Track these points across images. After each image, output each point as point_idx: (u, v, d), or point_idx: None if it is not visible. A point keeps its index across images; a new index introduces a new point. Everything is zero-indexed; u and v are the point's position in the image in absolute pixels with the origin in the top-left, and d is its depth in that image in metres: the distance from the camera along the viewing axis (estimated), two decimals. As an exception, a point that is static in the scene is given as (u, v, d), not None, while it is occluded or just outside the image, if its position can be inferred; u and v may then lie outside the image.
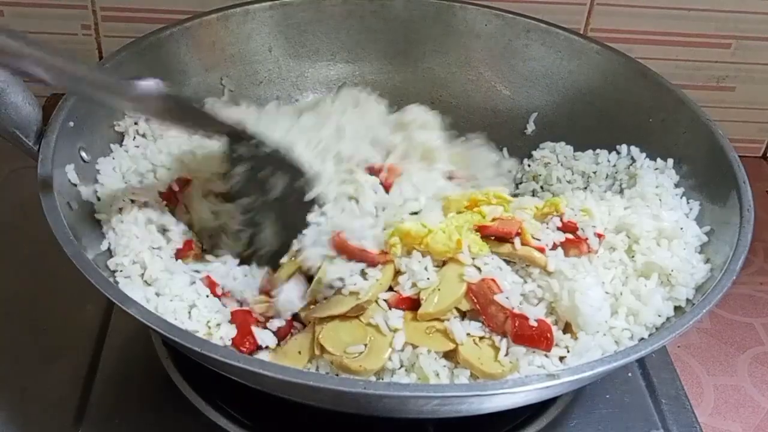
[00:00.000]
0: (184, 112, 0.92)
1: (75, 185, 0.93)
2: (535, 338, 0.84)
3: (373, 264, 0.90)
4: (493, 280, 0.88)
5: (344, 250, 0.90)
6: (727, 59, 1.39)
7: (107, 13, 1.32)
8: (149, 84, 0.85)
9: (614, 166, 1.11)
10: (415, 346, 0.85)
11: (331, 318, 0.88)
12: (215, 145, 0.97)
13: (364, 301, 0.87)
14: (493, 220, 0.93)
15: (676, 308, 0.91)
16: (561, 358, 0.86)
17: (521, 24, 1.20)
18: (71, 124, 0.95)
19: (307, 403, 0.83)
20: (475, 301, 0.87)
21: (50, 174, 0.88)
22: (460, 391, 0.76)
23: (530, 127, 1.22)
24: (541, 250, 0.90)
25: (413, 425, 0.89)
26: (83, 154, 0.97)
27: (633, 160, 1.10)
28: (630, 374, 1.02)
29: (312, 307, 0.90)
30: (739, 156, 0.99)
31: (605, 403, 0.98)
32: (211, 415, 0.93)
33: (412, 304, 0.88)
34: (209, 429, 0.92)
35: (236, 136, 0.94)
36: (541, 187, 1.15)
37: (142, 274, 0.92)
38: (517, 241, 0.91)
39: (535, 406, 0.95)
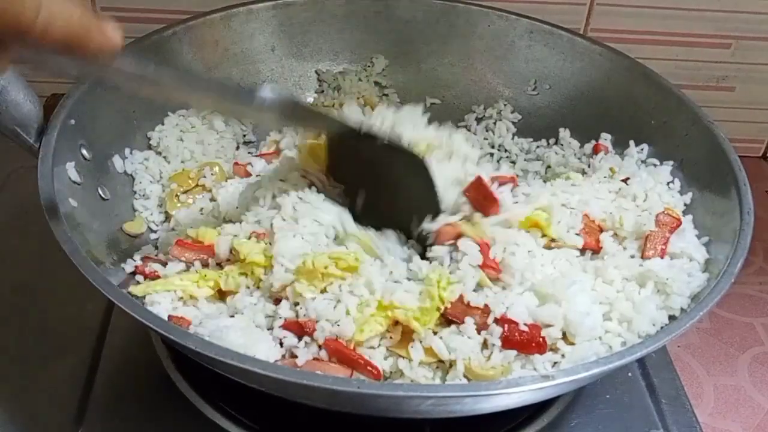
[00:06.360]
0: (300, 113, 0.96)
1: (75, 183, 0.93)
2: (525, 343, 0.84)
3: (374, 377, 0.84)
4: (461, 300, 0.86)
5: (342, 358, 0.85)
6: (727, 59, 1.38)
7: (108, 13, 1.32)
8: (267, 92, 0.86)
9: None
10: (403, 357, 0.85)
11: None
12: None
13: None
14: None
15: (671, 317, 0.90)
16: (554, 364, 0.85)
17: (524, 25, 1.20)
18: (72, 122, 0.95)
19: (304, 403, 0.83)
20: (458, 322, 0.86)
21: (51, 171, 0.88)
22: (455, 391, 0.75)
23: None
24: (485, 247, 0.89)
25: (411, 426, 0.89)
26: (84, 152, 0.97)
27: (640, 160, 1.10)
28: (630, 374, 1.02)
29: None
30: (739, 156, 0.99)
31: (605, 402, 0.98)
32: (211, 414, 0.93)
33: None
34: (209, 428, 0.92)
35: (349, 131, 0.94)
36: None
37: None
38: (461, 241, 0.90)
39: (535, 406, 0.95)
